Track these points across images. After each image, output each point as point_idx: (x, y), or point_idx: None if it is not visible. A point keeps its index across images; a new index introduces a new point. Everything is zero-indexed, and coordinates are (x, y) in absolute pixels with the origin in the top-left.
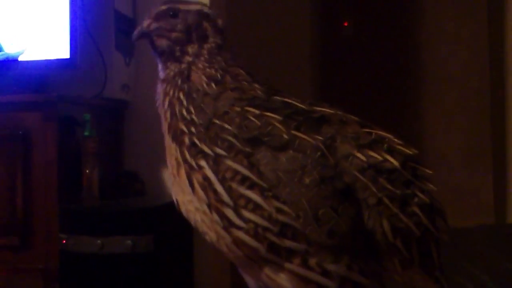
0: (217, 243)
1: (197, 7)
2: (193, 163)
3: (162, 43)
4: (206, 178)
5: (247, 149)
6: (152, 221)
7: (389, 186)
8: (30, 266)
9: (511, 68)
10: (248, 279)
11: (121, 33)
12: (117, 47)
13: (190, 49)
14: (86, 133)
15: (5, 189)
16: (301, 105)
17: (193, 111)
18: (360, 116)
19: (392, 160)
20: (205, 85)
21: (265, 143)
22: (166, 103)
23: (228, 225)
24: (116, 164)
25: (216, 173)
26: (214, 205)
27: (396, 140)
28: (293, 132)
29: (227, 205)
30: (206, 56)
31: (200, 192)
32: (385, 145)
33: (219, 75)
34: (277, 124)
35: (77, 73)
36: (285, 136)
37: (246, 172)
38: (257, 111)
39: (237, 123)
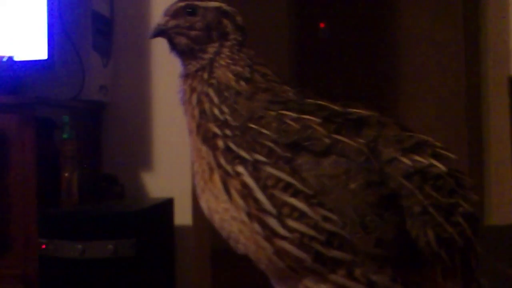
0: (255, 253)
1: (216, 4)
2: (229, 169)
3: (181, 41)
4: (245, 185)
5: (288, 155)
6: (133, 225)
7: (434, 194)
8: (9, 272)
9: (486, 71)
10: None
11: (99, 34)
12: (94, 48)
13: (211, 49)
14: (65, 136)
15: None
16: (335, 107)
17: (226, 111)
18: None
19: (439, 165)
20: (233, 82)
21: (306, 148)
22: (195, 99)
23: (270, 235)
24: (95, 167)
25: (256, 180)
26: (255, 214)
27: (437, 143)
28: (334, 135)
29: (270, 214)
30: (227, 53)
31: (239, 200)
32: (430, 149)
33: (247, 72)
34: (317, 127)
35: (55, 74)
36: (326, 140)
37: (289, 179)
38: (294, 114)
39: (275, 127)
